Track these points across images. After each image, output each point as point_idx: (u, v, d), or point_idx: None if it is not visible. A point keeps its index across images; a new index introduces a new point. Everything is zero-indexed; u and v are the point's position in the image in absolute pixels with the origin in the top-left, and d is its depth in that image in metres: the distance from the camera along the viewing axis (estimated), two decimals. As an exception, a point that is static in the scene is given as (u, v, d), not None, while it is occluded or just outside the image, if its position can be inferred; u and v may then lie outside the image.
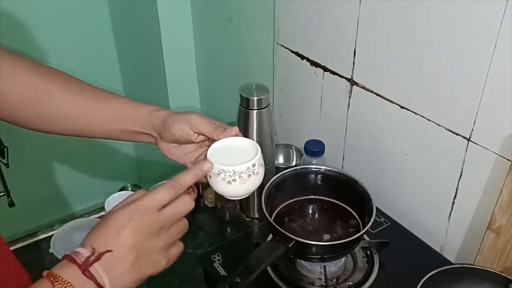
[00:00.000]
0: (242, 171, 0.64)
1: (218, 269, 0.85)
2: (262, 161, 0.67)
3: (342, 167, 1.07)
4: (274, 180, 0.86)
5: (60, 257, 0.51)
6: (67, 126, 0.74)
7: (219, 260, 0.87)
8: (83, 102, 0.72)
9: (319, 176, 0.89)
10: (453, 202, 0.86)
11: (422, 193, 0.93)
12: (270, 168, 1.04)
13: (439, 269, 0.71)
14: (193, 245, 1.02)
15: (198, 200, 1.13)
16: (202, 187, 1.13)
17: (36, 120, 0.72)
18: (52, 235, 1.03)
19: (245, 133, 0.99)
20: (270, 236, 0.85)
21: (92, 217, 1.09)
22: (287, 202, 0.89)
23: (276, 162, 1.12)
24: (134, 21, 1.67)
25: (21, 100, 0.69)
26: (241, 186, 0.65)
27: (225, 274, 0.83)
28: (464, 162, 0.82)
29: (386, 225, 0.94)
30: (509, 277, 0.70)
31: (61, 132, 0.75)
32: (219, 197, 1.06)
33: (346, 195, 0.88)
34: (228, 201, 1.06)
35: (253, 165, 0.65)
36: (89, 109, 0.72)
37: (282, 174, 0.88)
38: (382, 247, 0.86)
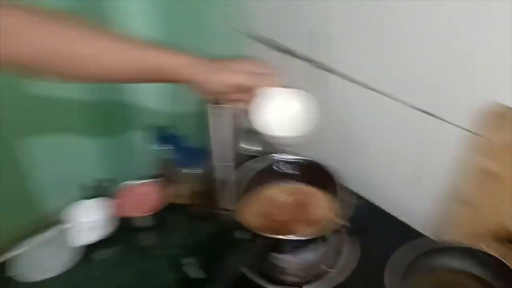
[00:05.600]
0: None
1: (193, 272, 0.82)
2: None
3: (314, 152, 1.06)
4: (239, 174, 0.84)
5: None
6: (101, 77, 0.72)
7: (193, 264, 0.84)
8: (112, 55, 0.69)
9: (289, 165, 0.87)
10: (422, 177, 0.87)
11: (394, 172, 0.93)
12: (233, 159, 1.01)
13: (420, 251, 0.71)
14: (165, 246, 0.99)
15: (166, 197, 1.08)
16: (171, 184, 1.09)
17: (69, 75, 0.70)
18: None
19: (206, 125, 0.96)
20: (242, 232, 0.82)
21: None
22: (257, 193, 0.87)
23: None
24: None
25: (59, 59, 0.66)
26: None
27: (202, 277, 0.81)
28: (429, 137, 0.82)
29: (361, 206, 0.92)
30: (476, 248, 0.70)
31: (97, 81, 0.77)
32: (190, 193, 1.03)
33: (318, 182, 0.87)
34: (197, 196, 1.03)
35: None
36: (120, 63, 0.70)
37: (248, 166, 0.85)
38: (359, 231, 0.85)
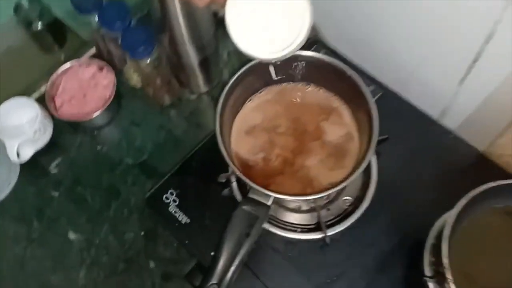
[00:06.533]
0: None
1: (177, 214, 0.65)
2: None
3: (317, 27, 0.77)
4: (224, 94, 0.58)
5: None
6: None
7: (174, 200, 0.66)
8: None
9: (289, 63, 0.61)
10: (471, 66, 0.63)
11: (425, 46, 0.68)
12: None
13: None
14: (132, 152, 0.79)
15: (119, 80, 0.82)
16: (118, 63, 0.82)
17: None
18: None
19: None
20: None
21: None
22: (248, 103, 0.64)
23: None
24: None
25: None
26: None
27: (188, 220, 0.64)
28: (499, 22, 0.55)
29: (378, 95, 0.71)
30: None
31: None
32: (148, 78, 0.77)
33: (331, 82, 0.63)
34: (164, 79, 0.77)
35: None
36: None
37: (237, 78, 0.59)
38: (380, 143, 0.66)
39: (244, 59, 0.51)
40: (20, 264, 0.72)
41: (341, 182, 0.53)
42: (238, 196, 0.64)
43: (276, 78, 0.57)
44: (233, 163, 0.54)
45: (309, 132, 0.62)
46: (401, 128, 0.69)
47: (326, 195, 0.53)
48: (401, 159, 0.67)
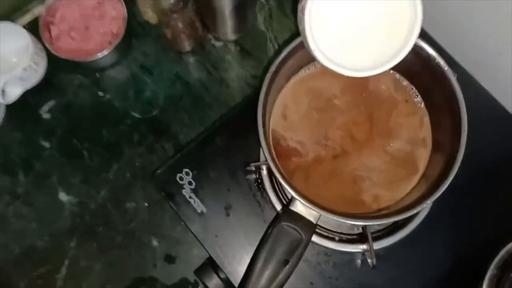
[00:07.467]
0: None
1: (191, 200, 0.53)
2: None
3: None
4: (270, 75, 0.44)
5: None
6: None
7: (190, 182, 0.54)
8: None
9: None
10: None
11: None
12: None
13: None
14: (140, 104, 0.66)
15: (131, 12, 0.67)
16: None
17: None
18: None
19: None
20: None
21: None
22: (296, 81, 0.50)
23: None
24: None
25: None
26: None
27: (204, 210, 0.53)
28: None
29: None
30: None
31: None
32: (168, 19, 0.62)
33: (405, 65, 0.49)
34: (187, 22, 0.62)
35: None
36: None
37: (287, 54, 0.45)
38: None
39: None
40: (1, 222, 0.62)
41: (411, 207, 0.42)
42: (268, 187, 0.53)
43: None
44: (276, 166, 0.42)
45: (376, 123, 0.49)
46: (473, 123, 0.56)
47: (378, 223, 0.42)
48: (469, 165, 0.54)
